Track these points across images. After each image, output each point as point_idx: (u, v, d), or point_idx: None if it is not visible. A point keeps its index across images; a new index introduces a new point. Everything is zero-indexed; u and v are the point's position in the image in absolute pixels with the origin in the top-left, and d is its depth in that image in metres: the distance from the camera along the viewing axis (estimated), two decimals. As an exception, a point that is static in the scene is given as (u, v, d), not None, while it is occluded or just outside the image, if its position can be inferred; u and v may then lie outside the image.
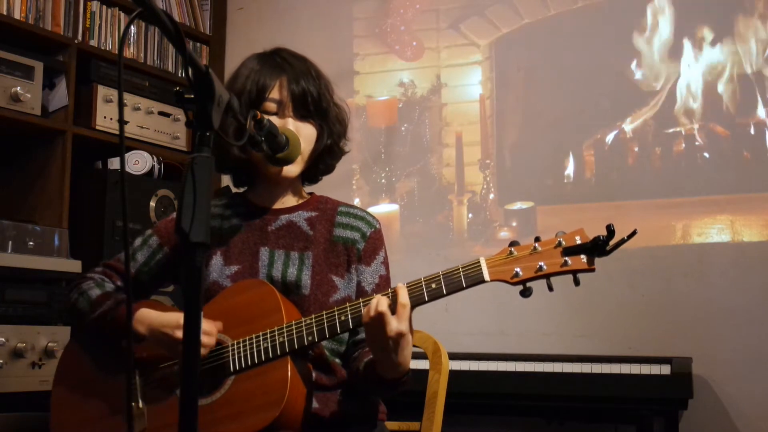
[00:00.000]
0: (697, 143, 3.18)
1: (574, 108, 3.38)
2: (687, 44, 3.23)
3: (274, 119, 1.77)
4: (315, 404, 1.71)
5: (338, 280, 1.81)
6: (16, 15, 3.07)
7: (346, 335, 1.82)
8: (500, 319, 3.29)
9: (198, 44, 3.88)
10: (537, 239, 1.57)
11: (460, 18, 3.62)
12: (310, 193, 1.95)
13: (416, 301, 1.59)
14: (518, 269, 1.55)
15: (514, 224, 3.44)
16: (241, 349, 1.67)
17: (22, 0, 3.09)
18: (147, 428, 1.72)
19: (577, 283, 1.53)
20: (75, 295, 1.84)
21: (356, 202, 3.60)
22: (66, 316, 2.87)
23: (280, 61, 1.84)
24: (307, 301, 1.76)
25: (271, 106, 1.80)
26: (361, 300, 1.63)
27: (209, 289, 1.78)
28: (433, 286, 1.59)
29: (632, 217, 3.19)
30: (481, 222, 3.48)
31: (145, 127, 3.41)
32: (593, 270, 1.53)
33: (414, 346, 1.74)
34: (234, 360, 1.67)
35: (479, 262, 1.58)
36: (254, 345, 1.66)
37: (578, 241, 1.54)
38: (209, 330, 1.66)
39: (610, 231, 1.50)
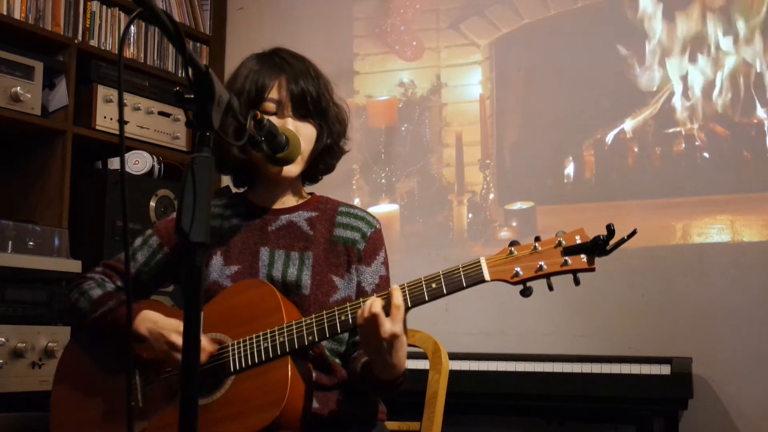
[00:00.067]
0: (697, 143, 3.18)
1: (574, 108, 3.38)
2: (687, 44, 3.23)
3: (274, 119, 1.77)
4: (315, 404, 1.71)
5: (338, 280, 1.81)
6: (16, 15, 3.07)
7: (346, 335, 1.82)
8: (500, 319, 3.29)
9: (198, 44, 3.88)
10: (537, 239, 1.57)
11: (460, 18, 3.62)
12: (311, 193, 1.95)
13: (417, 301, 1.59)
14: (518, 269, 1.55)
15: (514, 224, 3.44)
16: (241, 349, 1.67)
17: (22, 0, 3.09)
18: (147, 428, 1.72)
19: (577, 282, 1.53)
20: (75, 295, 1.84)
21: (356, 202, 3.60)
22: (66, 316, 2.87)
23: (279, 61, 1.84)
24: (307, 301, 1.76)
25: (271, 106, 1.80)
26: (361, 300, 1.63)
27: (209, 289, 1.78)
28: (434, 285, 1.59)
29: (632, 217, 3.19)
30: (481, 222, 3.48)
31: (145, 127, 3.41)
32: (593, 270, 1.53)
33: (414, 346, 1.75)
34: (234, 360, 1.67)
35: (479, 261, 1.58)
36: (254, 345, 1.66)
37: (578, 241, 1.54)
38: (204, 347, 1.65)
39: (610, 231, 1.50)
